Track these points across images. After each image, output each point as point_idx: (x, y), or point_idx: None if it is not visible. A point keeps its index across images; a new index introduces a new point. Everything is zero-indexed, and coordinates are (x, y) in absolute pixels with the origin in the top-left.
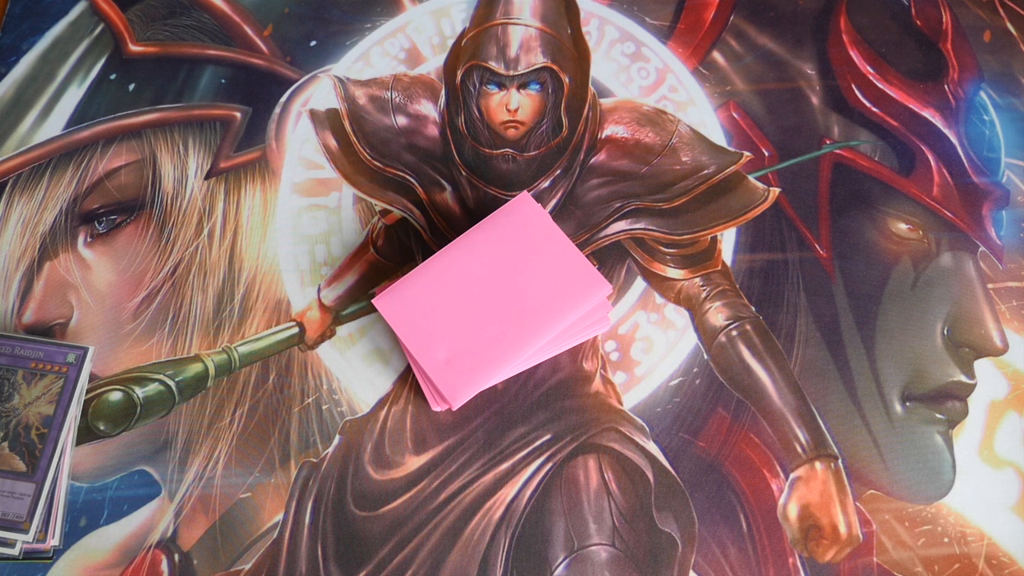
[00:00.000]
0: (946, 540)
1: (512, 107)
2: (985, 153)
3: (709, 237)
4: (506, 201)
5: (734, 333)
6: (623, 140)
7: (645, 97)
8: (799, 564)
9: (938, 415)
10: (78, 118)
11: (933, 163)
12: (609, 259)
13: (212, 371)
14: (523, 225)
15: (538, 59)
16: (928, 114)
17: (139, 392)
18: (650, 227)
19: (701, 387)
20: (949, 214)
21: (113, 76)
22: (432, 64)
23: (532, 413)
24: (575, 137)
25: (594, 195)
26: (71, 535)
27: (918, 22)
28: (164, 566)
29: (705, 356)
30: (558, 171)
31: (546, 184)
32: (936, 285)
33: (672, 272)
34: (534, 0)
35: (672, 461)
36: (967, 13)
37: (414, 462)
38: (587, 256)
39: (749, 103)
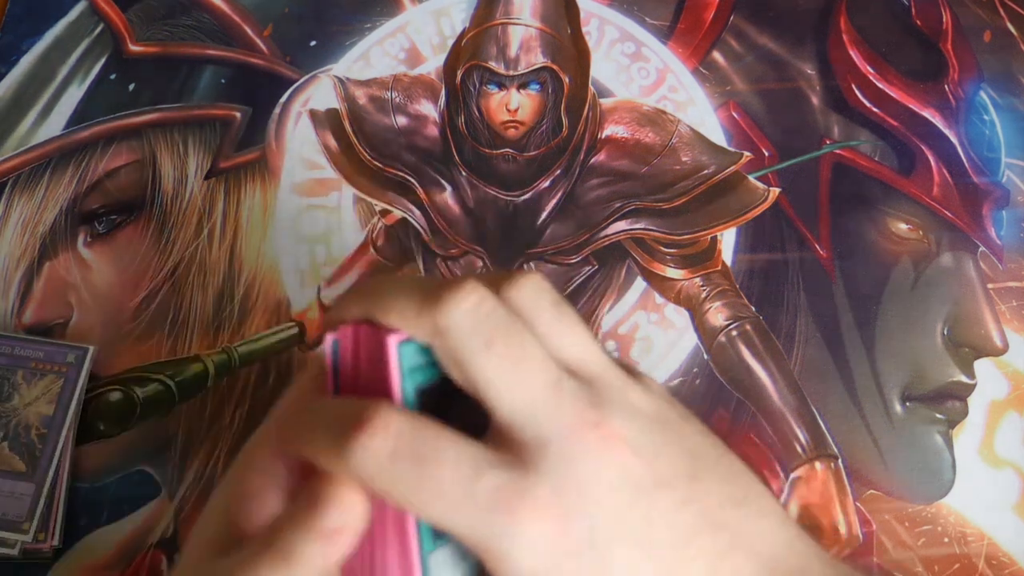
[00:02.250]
0: (946, 540)
1: (512, 107)
2: (985, 153)
3: (709, 237)
4: (506, 200)
5: (734, 333)
6: (623, 140)
7: (645, 97)
8: None
9: (938, 415)
10: (78, 118)
11: (933, 163)
12: (609, 259)
13: (212, 371)
14: None
15: (538, 59)
16: (928, 114)
17: (139, 392)
18: (650, 227)
19: (701, 387)
20: (949, 214)
21: (113, 76)
22: (432, 64)
23: None
24: (575, 137)
25: (594, 195)
26: (71, 535)
27: (918, 22)
28: (164, 566)
29: (705, 356)
30: (558, 171)
31: (546, 184)
32: (936, 285)
33: (672, 272)
34: (534, 0)
35: None
36: (967, 13)
37: None
38: (587, 256)
39: (749, 103)
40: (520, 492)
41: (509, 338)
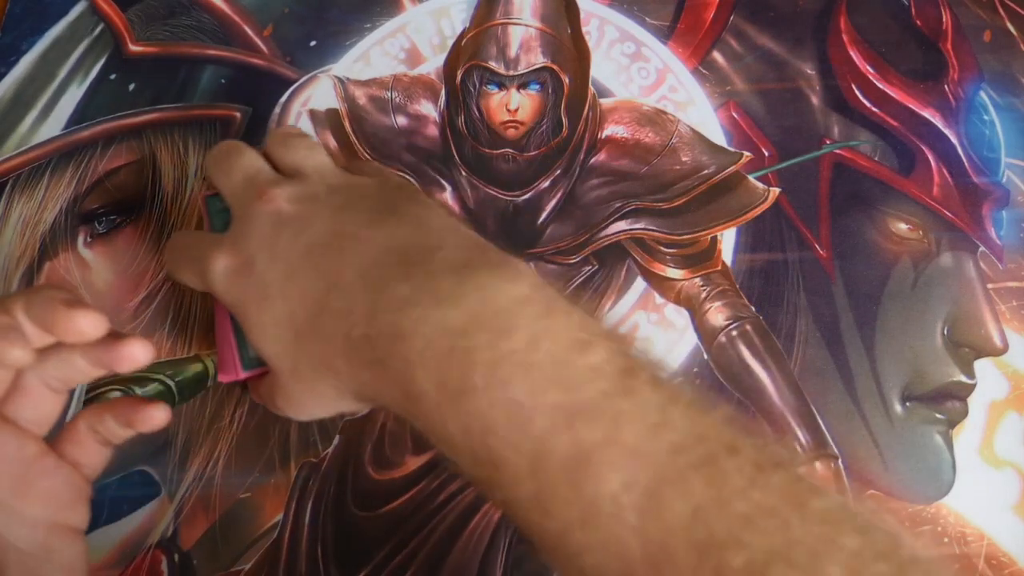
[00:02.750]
0: (946, 540)
1: (512, 107)
2: (985, 153)
3: (709, 237)
4: (506, 200)
5: (734, 333)
6: (623, 140)
7: (645, 97)
8: None
9: (938, 415)
10: (78, 118)
11: (933, 163)
12: (609, 259)
13: (212, 371)
14: None
15: (538, 59)
16: (928, 114)
17: (139, 392)
18: (650, 227)
19: (701, 387)
20: (949, 214)
21: (113, 76)
22: (432, 64)
23: None
24: (575, 137)
25: (594, 195)
26: None
27: (918, 22)
28: (164, 566)
29: (705, 356)
30: (558, 171)
31: (546, 184)
32: (936, 285)
33: (672, 272)
34: (534, 0)
35: None
36: (967, 13)
37: (414, 462)
38: (587, 256)
39: (749, 103)
40: (214, 246)
41: (227, 157)
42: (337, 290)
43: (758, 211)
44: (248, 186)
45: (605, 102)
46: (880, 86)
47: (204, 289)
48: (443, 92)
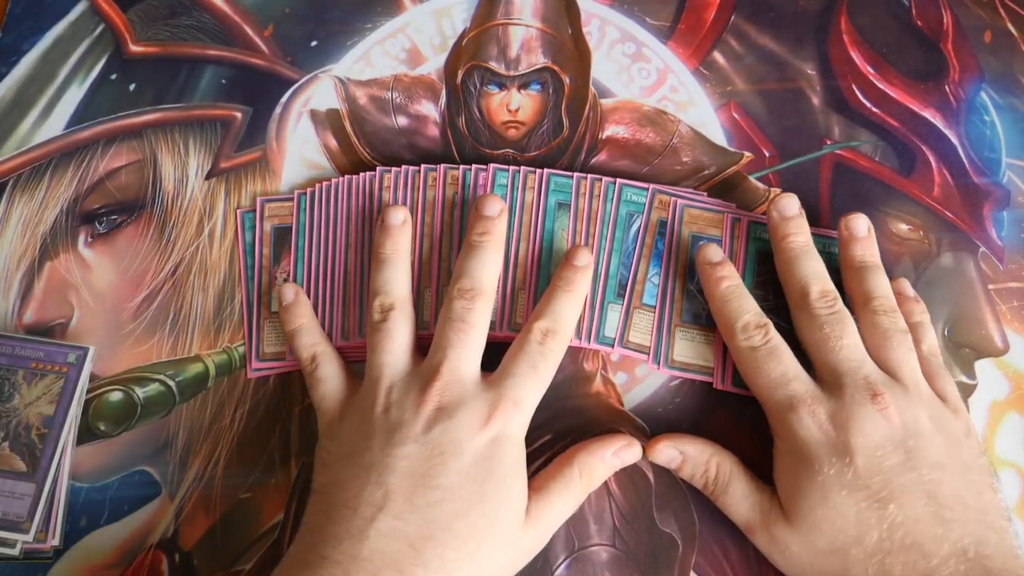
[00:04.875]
0: None
1: (513, 107)
2: (986, 153)
3: None
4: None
5: None
6: (624, 140)
7: (646, 97)
8: None
9: None
10: (79, 118)
11: (934, 163)
12: None
13: (212, 371)
14: None
15: (539, 59)
16: (928, 114)
17: (139, 392)
18: None
19: (702, 388)
20: (950, 214)
21: (114, 76)
22: (433, 64)
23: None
24: (576, 138)
25: None
26: (71, 535)
27: (918, 22)
28: (164, 566)
29: None
30: None
31: None
32: (937, 285)
33: None
34: (535, 0)
35: None
36: (968, 13)
37: None
38: None
39: (750, 103)
40: (808, 398)
41: (841, 328)
42: (930, 548)
43: (759, 212)
44: (859, 372)
45: (606, 102)
46: (881, 86)
47: (771, 400)
48: (444, 92)
